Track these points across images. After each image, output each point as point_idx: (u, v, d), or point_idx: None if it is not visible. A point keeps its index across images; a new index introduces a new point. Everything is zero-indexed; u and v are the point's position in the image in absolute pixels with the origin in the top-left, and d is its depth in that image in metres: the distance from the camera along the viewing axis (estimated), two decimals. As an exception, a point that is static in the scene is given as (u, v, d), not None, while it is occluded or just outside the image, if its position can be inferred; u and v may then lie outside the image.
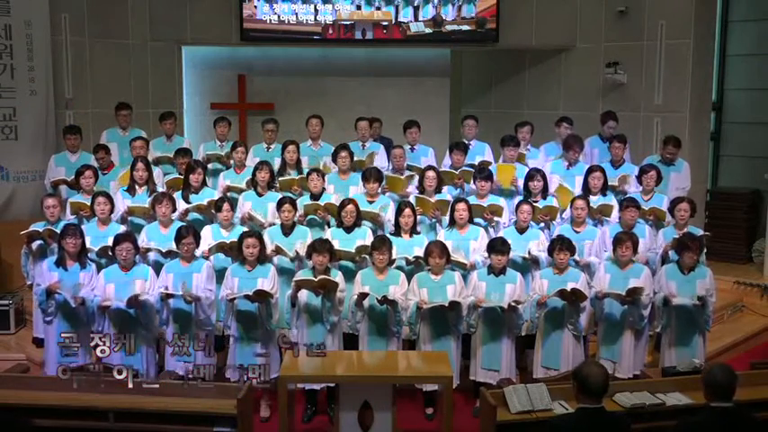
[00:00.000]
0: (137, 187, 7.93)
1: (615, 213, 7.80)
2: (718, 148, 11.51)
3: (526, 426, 5.44)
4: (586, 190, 7.94)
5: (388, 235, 7.21)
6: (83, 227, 7.38)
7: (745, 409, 4.61)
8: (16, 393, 5.75)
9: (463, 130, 9.14)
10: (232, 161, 8.51)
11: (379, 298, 6.59)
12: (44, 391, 5.80)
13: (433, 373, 6.13)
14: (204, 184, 7.99)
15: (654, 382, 6.18)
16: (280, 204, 7.36)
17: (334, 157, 8.27)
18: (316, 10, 10.47)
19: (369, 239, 7.20)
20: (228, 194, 7.97)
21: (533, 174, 7.91)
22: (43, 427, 5.55)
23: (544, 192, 7.90)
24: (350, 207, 7.29)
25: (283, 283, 7.08)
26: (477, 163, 8.42)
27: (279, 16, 10.48)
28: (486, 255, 7.01)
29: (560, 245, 6.86)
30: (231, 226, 7.39)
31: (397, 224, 7.38)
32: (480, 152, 8.88)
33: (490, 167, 8.17)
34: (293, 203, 7.37)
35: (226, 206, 7.33)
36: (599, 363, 4.76)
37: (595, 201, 7.83)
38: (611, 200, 7.97)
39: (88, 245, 7.23)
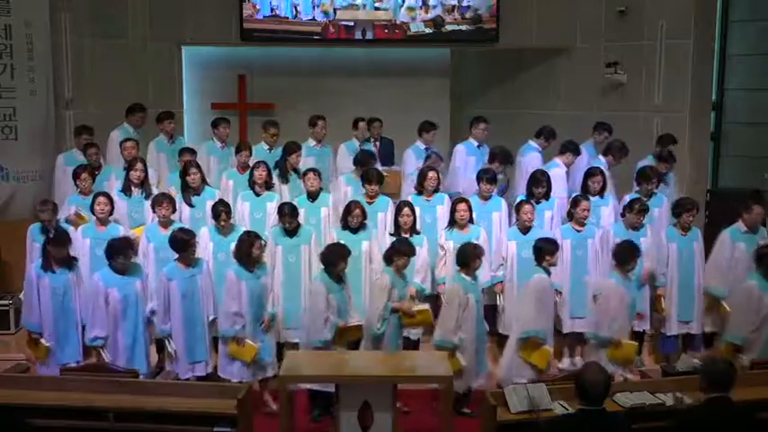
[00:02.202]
0: (133, 188, 7.88)
1: (613, 213, 7.94)
2: (718, 148, 11.50)
3: (526, 426, 5.44)
4: (586, 191, 7.98)
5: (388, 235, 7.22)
6: (81, 228, 7.40)
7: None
8: (16, 393, 5.75)
9: (476, 133, 9.05)
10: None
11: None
12: (44, 391, 5.81)
13: (433, 373, 6.13)
14: (204, 182, 7.99)
15: (654, 382, 6.19)
16: (281, 212, 7.35)
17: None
18: (315, 9, 10.48)
19: (374, 239, 7.26)
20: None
21: (540, 179, 7.94)
22: (43, 427, 5.56)
23: (546, 195, 7.97)
24: (357, 212, 7.29)
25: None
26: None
27: (278, 16, 10.48)
28: None
29: None
30: (230, 229, 7.37)
31: (396, 224, 7.38)
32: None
33: None
34: (294, 211, 7.34)
35: (223, 216, 7.27)
36: (602, 367, 4.74)
37: (594, 201, 7.89)
38: (609, 201, 8.06)
39: (87, 246, 7.23)
